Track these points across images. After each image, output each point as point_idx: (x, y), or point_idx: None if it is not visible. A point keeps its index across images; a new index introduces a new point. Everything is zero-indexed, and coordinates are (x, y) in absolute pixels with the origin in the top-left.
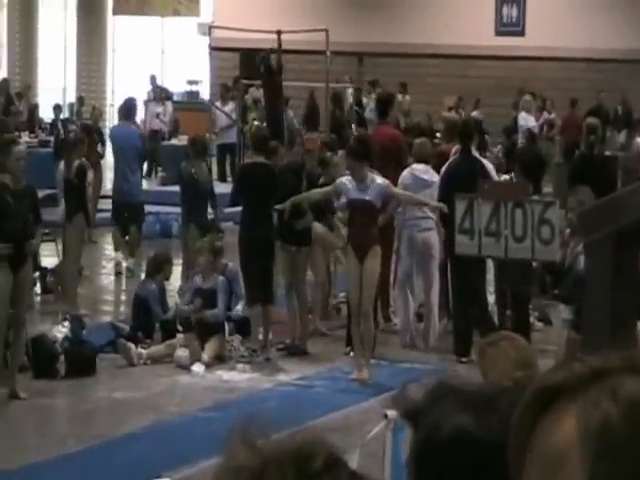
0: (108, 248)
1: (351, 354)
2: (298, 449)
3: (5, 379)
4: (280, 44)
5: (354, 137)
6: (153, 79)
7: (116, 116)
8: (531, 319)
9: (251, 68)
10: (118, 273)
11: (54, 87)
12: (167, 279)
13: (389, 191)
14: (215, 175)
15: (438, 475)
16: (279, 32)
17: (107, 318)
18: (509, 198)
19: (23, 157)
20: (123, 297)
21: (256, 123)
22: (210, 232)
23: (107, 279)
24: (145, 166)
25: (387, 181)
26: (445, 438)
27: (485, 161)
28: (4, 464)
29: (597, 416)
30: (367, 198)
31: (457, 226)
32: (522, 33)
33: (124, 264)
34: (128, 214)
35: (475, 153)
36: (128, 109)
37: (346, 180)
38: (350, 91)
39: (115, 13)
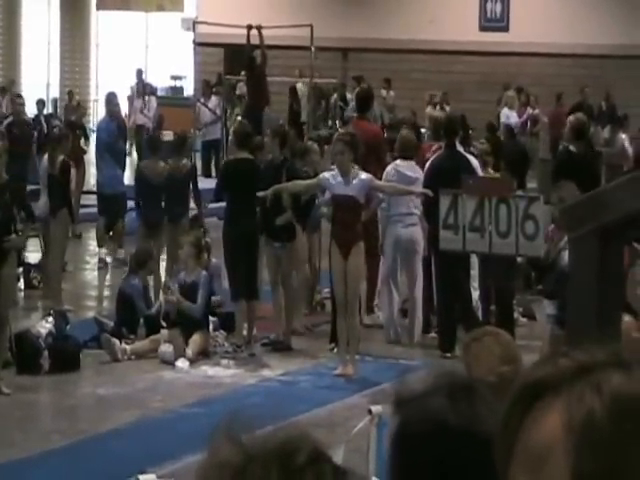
0: (92, 244)
1: (335, 350)
2: (282, 444)
3: None
4: (262, 39)
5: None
6: (139, 73)
7: (99, 111)
8: (515, 314)
9: (235, 63)
10: (100, 269)
11: (37, 83)
12: (150, 275)
13: (373, 185)
14: (200, 171)
15: (411, 460)
16: (258, 27)
17: (91, 313)
18: (493, 193)
19: (1, 153)
20: (107, 292)
21: (239, 119)
22: (159, 229)
23: (91, 274)
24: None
25: (370, 175)
26: (418, 425)
27: (470, 157)
28: None
29: (581, 410)
30: (350, 194)
31: (441, 221)
32: (506, 28)
33: (108, 260)
34: (107, 206)
35: (460, 148)
36: (106, 102)
37: (329, 175)
38: (299, 85)
39: (99, 8)
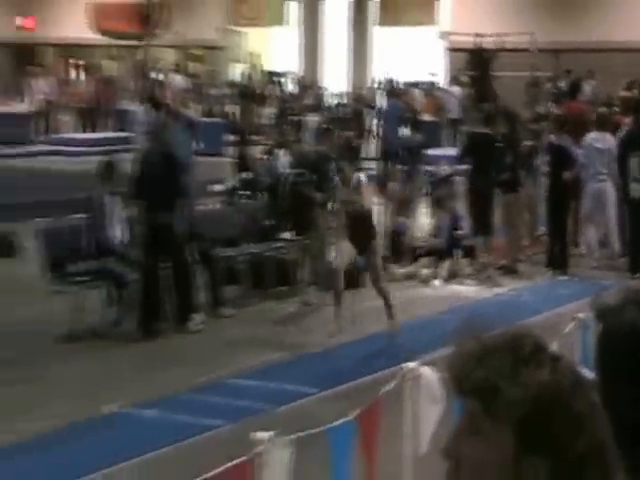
0: None
1: (550, 273)
2: (512, 339)
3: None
4: (495, 48)
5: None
6: (387, 73)
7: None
8: None
9: (475, 64)
10: None
11: (334, 83)
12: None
13: None
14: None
15: (616, 361)
16: (479, 35)
17: None
18: None
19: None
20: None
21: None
22: None
23: None
24: None
25: None
26: (623, 332)
27: None
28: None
29: None
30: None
31: (631, 176)
32: None
33: None
34: None
35: None
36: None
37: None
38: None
39: (381, 24)
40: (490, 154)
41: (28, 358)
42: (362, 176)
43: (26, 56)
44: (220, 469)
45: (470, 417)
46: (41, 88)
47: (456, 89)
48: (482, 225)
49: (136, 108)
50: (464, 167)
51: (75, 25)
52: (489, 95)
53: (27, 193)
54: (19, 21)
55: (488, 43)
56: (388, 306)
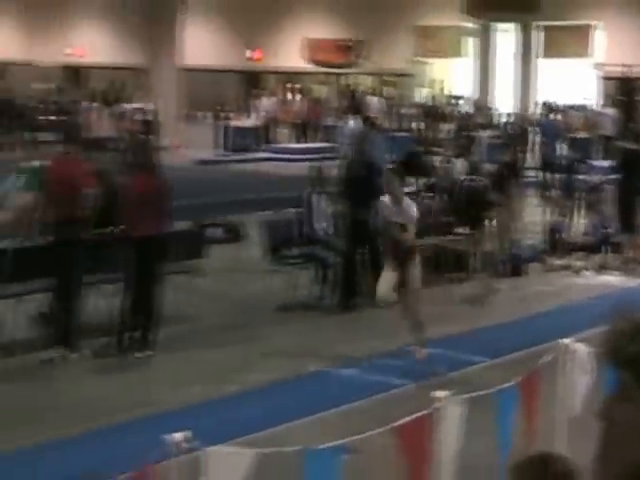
0: None
1: None
2: None
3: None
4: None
5: None
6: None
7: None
8: None
9: (623, 90)
10: None
11: (503, 104)
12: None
13: None
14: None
15: None
16: (626, 65)
17: (530, 241)
18: None
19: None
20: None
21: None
22: None
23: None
24: None
25: None
26: None
27: None
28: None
29: None
30: None
31: None
32: None
33: None
34: None
35: None
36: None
37: None
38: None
39: (544, 56)
40: (637, 166)
41: (251, 323)
42: (414, 207)
43: (253, 81)
44: (404, 421)
45: (623, 386)
46: (264, 107)
47: (610, 110)
48: (628, 225)
49: (342, 124)
50: (612, 176)
51: (292, 56)
52: (636, 117)
53: (252, 191)
54: (249, 53)
55: (635, 72)
56: (417, 325)
